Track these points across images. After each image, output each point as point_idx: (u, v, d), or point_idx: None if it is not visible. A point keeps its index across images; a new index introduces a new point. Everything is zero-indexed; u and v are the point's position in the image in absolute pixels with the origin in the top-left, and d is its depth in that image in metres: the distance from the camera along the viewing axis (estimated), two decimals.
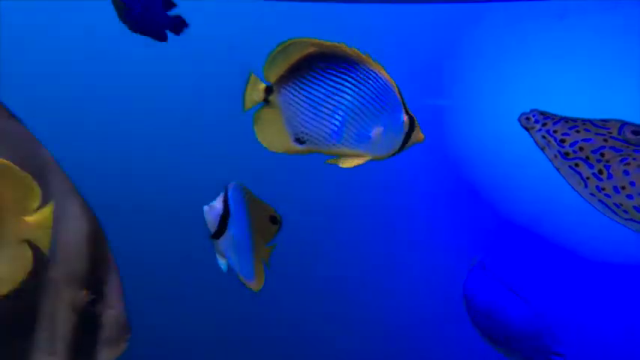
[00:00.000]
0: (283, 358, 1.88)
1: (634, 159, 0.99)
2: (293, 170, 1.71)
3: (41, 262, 0.73)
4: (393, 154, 0.98)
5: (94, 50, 1.78)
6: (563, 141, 1.02)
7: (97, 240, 0.77)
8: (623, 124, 1.02)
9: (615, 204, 1.00)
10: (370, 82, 0.95)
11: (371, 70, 0.95)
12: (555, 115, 1.03)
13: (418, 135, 0.98)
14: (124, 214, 1.69)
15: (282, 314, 1.85)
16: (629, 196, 0.99)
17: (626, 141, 1.01)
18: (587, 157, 1.01)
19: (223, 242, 0.92)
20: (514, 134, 1.73)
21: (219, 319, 1.86)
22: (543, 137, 1.03)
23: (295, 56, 0.95)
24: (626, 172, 0.99)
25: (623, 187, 0.99)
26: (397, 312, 1.85)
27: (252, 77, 0.95)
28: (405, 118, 0.96)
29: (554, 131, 1.02)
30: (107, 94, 1.84)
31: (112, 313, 0.79)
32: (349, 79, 0.95)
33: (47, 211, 0.74)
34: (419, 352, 1.86)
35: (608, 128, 1.03)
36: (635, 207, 0.98)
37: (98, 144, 1.82)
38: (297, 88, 0.95)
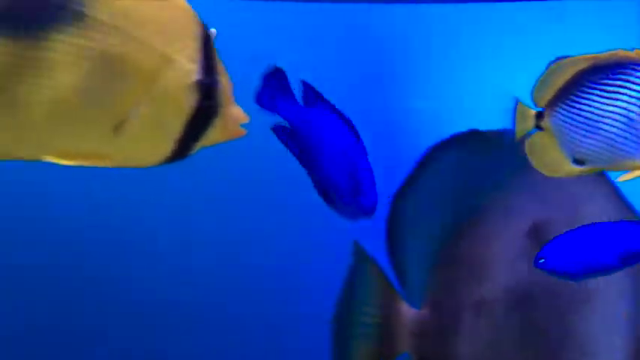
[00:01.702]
0: None
1: None
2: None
3: None
4: None
5: None
6: None
7: None
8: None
9: None
10: None
11: None
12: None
13: None
14: None
15: None
16: None
17: None
18: None
19: None
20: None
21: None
22: None
23: (564, 77, 0.92)
24: None
25: None
26: None
27: (520, 105, 0.93)
28: None
29: None
30: None
31: None
32: (623, 83, 0.88)
33: None
34: None
35: None
36: None
37: None
38: (567, 108, 0.90)
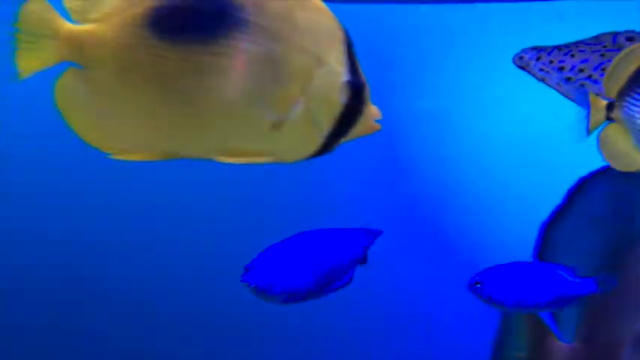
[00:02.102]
0: None
1: None
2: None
3: None
4: None
5: None
6: (561, 68, 0.99)
7: None
8: (615, 35, 1.00)
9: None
10: None
11: None
12: (547, 47, 1.01)
13: None
14: None
15: None
16: None
17: (622, 49, 0.97)
18: (590, 76, 0.98)
19: None
20: (515, 135, 1.73)
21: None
22: (541, 70, 1.00)
23: (634, 65, 0.87)
24: None
25: None
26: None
27: (592, 97, 0.87)
28: None
29: (551, 61, 1.01)
30: None
31: None
32: None
33: None
34: None
35: (602, 42, 1.01)
36: None
37: None
38: (637, 97, 0.86)
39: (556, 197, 1.53)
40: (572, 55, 1.01)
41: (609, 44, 1.02)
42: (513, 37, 1.70)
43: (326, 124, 0.76)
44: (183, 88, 0.72)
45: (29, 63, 0.71)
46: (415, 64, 1.76)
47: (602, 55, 1.01)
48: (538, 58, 1.01)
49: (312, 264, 0.94)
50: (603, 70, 0.99)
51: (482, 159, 1.78)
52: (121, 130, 0.74)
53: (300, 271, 0.92)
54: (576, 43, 1.04)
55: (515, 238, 1.73)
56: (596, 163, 1.08)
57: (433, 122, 1.73)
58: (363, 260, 1.00)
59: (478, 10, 1.72)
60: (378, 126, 0.79)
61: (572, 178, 1.26)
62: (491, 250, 1.68)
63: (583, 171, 1.20)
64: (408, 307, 1.78)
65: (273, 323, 1.74)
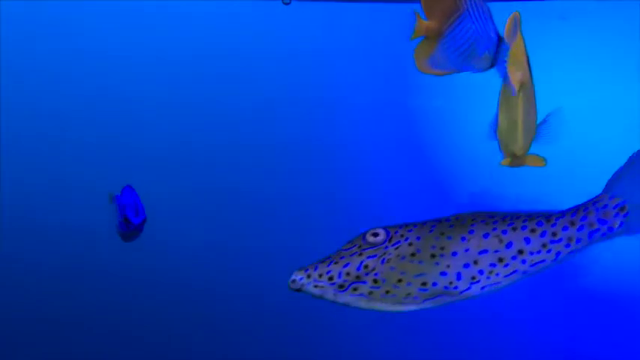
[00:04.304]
0: None
1: (389, 254, 1.09)
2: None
3: None
4: None
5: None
6: (330, 278, 1.08)
7: None
8: (364, 234, 1.09)
9: (404, 297, 1.06)
10: None
11: None
12: (311, 264, 1.09)
13: None
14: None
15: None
16: (408, 284, 1.08)
17: (373, 245, 1.06)
18: (358, 277, 1.07)
19: None
20: None
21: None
22: (315, 287, 1.09)
23: None
24: (392, 268, 1.09)
25: (400, 280, 1.08)
26: None
27: None
28: None
29: (319, 275, 1.08)
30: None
31: None
32: None
33: None
34: None
35: (355, 245, 1.09)
36: (419, 289, 1.08)
37: None
38: None
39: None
40: (336, 263, 1.09)
41: (360, 243, 1.11)
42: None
43: None
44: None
45: None
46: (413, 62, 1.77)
47: (360, 255, 1.11)
48: (308, 276, 1.09)
49: None
50: (365, 267, 1.09)
51: (480, 159, 1.80)
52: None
53: None
54: (336, 252, 1.11)
55: None
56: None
57: (440, 118, 1.75)
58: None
59: None
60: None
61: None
62: None
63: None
64: None
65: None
